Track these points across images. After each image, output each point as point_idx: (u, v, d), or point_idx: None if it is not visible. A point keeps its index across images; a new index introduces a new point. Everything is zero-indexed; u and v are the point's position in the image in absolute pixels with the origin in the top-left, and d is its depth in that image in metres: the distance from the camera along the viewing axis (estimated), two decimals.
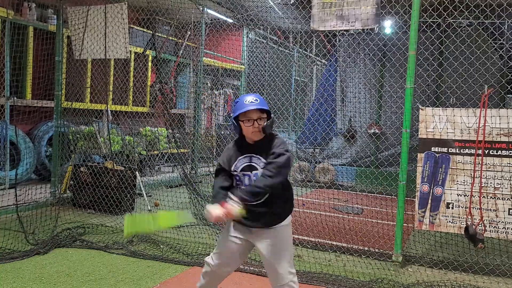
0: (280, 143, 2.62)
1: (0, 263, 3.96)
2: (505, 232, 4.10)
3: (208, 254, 4.37)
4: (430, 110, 4.35)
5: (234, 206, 2.47)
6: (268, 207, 2.61)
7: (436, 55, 7.69)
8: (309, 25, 4.85)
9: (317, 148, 9.89)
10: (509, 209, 4.10)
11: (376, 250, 4.69)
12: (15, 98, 6.63)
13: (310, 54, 13.25)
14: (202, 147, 9.53)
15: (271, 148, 2.60)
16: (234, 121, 2.66)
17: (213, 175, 2.63)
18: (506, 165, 4.09)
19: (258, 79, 9.44)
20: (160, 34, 9.33)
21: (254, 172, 2.62)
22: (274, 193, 2.58)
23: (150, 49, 8.96)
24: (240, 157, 2.66)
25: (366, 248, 4.77)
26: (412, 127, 4.40)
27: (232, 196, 2.52)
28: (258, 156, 2.62)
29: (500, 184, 4.12)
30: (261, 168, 2.60)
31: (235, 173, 2.66)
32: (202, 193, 6.38)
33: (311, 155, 9.79)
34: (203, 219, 5.61)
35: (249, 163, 2.64)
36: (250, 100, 2.60)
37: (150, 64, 9.42)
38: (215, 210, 2.50)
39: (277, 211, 2.66)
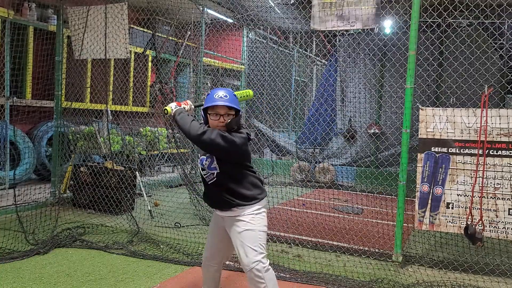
0: (239, 134, 2.75)
1: (0, 263, 3.96)
2: (505, 232, 4.10)
3: None
4: (430, 110, 4.35)
5: (171, 104, 2.90)
6: (218, 192, 2.81)
7: (436, 55, 7.69)
8: (309, 25, 4.85)
9: (317, 148, 9.89)
10: (509, 209, 4.10)
11: (376, 250, 4.69)
12: (15, 98, 6.63)
13: (310, 54, 13.25)
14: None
15: None
16: (202, 112, 2.86)
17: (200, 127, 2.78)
18: (506, 165, 4.09)
19: (258, 79, 9.45)
20: (160, 34, 9.33)
21: (208, 155, 2.83)
22: (224, 178, 2.77)
23: (150, 49, 8.96)
24: None
25: (366, 248, 4.77)
26: (412, 127, 4.40)
27: (171, 105, 2.90)
28: None
29: (500, 184, 4.12)
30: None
31: (201, 157, 2.90)
32: (202, 193, 6.37)
33: (311, 155, 9.79)
34: (203, 219, 5.62)
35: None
36: (220, 95, 2.76)
37: (150, 64, 9.41)
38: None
39: (224, 199, 2.80)
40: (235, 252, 2.89)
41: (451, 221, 4.28)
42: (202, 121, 2.96)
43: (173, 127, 6.72)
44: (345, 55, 9.89)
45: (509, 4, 5.14)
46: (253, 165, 2.94)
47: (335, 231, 5.38)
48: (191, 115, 2.94)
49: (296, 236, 5.15)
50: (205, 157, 2.84)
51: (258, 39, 9.92)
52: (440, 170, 4.30)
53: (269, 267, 2.79)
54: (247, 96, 3.25)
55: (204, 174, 2.85)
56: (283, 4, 7.92)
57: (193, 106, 3.02)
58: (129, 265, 4.11)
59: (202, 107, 2.88)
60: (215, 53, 9.43)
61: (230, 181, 2.79)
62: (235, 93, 2.96)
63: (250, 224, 2.79)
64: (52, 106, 6.58)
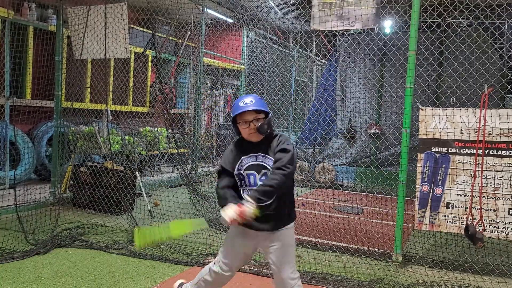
0: (284, 140, 2.62)
1: (0, 263, 3.96)
2: (505, 232, 4.10)
3: (208, 255, 4.41)
4: (430, 110, 4.35)
5: (249, 207, 2.43)
6: (276, 209, 2.58)
7: (436, 55, 7.69)
8: (309, 25, 4.85)
9: (317, 148, 9.88)
10: (509, 209, 4.10)
11: (376, 250, 4.69)
12: (15, 98, 6.63)
13: (310, 54, 13.24)
14: (202, 147, 9.53)
15: (277, 146, 2.59)
16: (232, 123, 2.69)
17: (214, 175, 2.65)
18: (506, 165, 4.09)
19: (258, 79, 9.44)
20: (160, 34, 9.33)
21: (263, 171, 2.60)
22: (281, 193, 2.56)
23: (150, 49, 8.95)
24: (244, 157, 2.65)
25: (366, 248, 4.76)
26: (412, 127, 4.40)
27: (246, 197, 2.48)
28: (264, 154, 2.62)
29: (500, 184, 4.12)
30: (270, 167, 2.57)
31: (238, 172, 2.64)
32: (202, 193, 6.38)
33: (311, 155, 9.79)
34: (210, 221, 5.61)
35: (254, 162, 2.62)
36: (246, 102, 2.61)
37: (150, 64, 9.41)
38: (230, 212, 2.45)
39: (284, 213, 2.65)
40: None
41: (451, 221, 4.28)
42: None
43: (173, 127, 6.73)
44: (345, 55, 9.88)
45: (509, 4, 5.14)
46: None
47: (335, 231, 5.38)
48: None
49: (296, 236, 5.13)
50: (255, 172, 2.59)
51: (258, 39, 9.92)
52: (440, 170, 4.30)
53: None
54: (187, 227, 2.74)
55: None
56: (283, 4, 7.92)
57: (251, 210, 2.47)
58: (129, 265, 4.11)
59: (230, 118, 2.68)
60: (215, 53, 9.43)
61: (287, 195, 2.63)
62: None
63: (293, 240, 2.71)
64: (52, 106, 6.58)
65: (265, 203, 2.47)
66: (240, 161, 2.65)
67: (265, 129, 2.59)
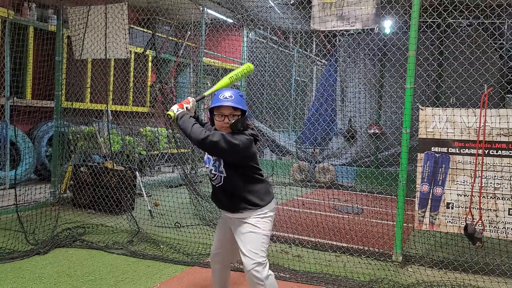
0: (245, 135, 2.72)
1: (0, 263, 3.97)
2: (505, 232, 4.10)
3: (208, 255, 4.41)
4: (430, 110, 4.35)
5: (173, 107, 2.82)
6: (226, 196, 2.81)
7: (436, 55, 7.69)
8: (309, 25, 4.85)
9: (317, 148, 9.89)
10: (509, 209, 4.10)
11: (376, 250, 4.69)
12: (15, 98, 6.63)
13: (310, 54, 13.25)
14: None
15: None
16: (208, 113, 2.84)
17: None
18: (506, 165, 4.10)
19: (258, 79, 9.44)
20: (160, 34, 9.33)
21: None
22: (231, 182, 2.76)
23: (150, 49, 8.96)
24: None
25: (366, 248, 4.77)
26: (412, 127, 4.40)
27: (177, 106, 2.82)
28: None
29: (500, 184, 4.12)
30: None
31: (206, 156, 2.87)
32: (202, 193, 6.38)
33: (311, 155, 9.79)
34: (210, 221, 5.62)
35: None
36: (225, 96, 2.74)
37: (150, 64, 9.42)
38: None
39: (234, 201, 2.80)
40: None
41: (451, 221, 4.29)
42: (208, 122, 2.94)
43: (173, 127, 6.73)
44: (345, 55, 9.89)
45: (509, 4, 5.15)
46: (260, 167, 2.90)
47: (335, 231, 5.38)
48: (195, 112, 2.91)
49: (296, 236, 5.15)
50: (211, 158, 2.81)
51: (258, 39, 9.92)
52: (440, 170, 4.30)
53: (271, 272, 2.78)
54: (247, 71, 3.18)
55: (211, 177, 2.84)
56: (283, 4, 7.92)
57: (195, 102, 2.94)
58: (129, 265, 4.12)
59: (208, 108, 2.85)
60: (215, 53, 9.43)
61: (237, 186, 2.77)
62: (232, 73, 2.95)
63: (255, 227, 2.79)
64: (52, 106, 6.59)
65: (176, 121, 2.77)
66: None
67: (238, 127, 2.71)
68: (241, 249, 2.80)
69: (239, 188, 2.78)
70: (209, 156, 2.83)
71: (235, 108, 2.73)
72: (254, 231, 2.79)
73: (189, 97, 2.95)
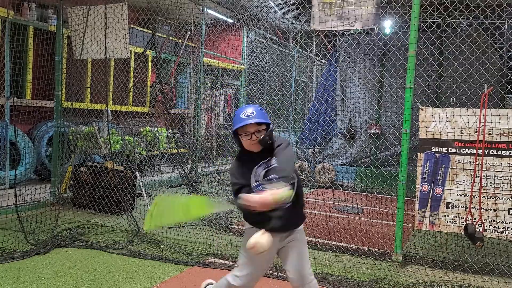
0: (281, 140, 2.62)
1: (0, 263, 3.97)
2: (505, 232, 4.10)
3: (208, 255, 4.41)
4: (430, 110, 4.35)
5: (280, 189, 2.27)
6: (293, 208, 2.56)
7: (436, 55, 7.69)
8: (309, 25, 4.85)
9: (317, 148, 9.89)
10: (509, 209, 4.10)
11: (376, 250, 4.69)
12: (15, 98, 6.63)
13: (310, 54, 13.24)
14: (202, 147, 9.53)
15: (276, 147, 2.60)
16: (233, 135, 2.66)
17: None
18: (506, 165, 4.10)
19: (258, 79, 9.44)
20: (160, 34, 9.33)
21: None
22: (296, 192, 2.51)
23: (150, 49, 8.96)
24: (255, 167, 2.61)
25: (366, 248, 4.76)
26: (412, 127, 4.40)
27: (269, 185, 2.39)
28: (270, 158, 2.59)
29: (500, 184, 4.12)
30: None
31: (258, 182, 2.58)
32: (202, 193, 6.38)
33: (311, 155, 9.79)
34: (210, 221, 5.61)
35: (268, 168, 2.59)
36: (247, 114, 2.57)
37: (150, 64, 9.42)
38: (254, 197, 2.30)
39: (300, 210, 2.68)
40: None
41: (451, 221, 4.28)
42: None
43: (173, 127, 6.73)
44: (345, 55, 9.89)
45: (509, 4, 5.15)
46: None
47: (335, 231, 5.38)
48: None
49: None
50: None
51: (258, 39, 9.92)
52: (440, 170, 4.30)
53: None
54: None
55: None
56: (283, 4, 7.92)
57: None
58: (129, 265, 4.12)
59: (231, 130, 2.62)
60: (215, 53, 9.43)
61: (297, 193, 2.54)
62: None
63: (305, 237, 2.74)
64: (52, 106, 6.58)
65: (291, 183, 2.35)
66: (253, 172, 2.61)
67: (266, 141, 2.57)
68: (301, 264, 2.65)
69: (298, 195, 2.58)
70: (269, 178, 2.51)
71: (259, 124, 2.58)
72: (306, 243, 2.71)
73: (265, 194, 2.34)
